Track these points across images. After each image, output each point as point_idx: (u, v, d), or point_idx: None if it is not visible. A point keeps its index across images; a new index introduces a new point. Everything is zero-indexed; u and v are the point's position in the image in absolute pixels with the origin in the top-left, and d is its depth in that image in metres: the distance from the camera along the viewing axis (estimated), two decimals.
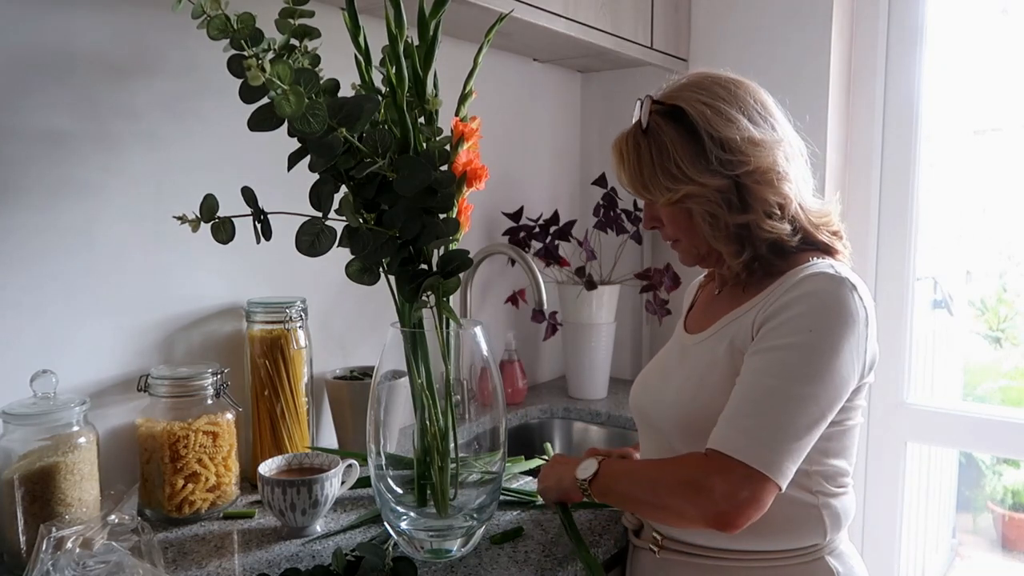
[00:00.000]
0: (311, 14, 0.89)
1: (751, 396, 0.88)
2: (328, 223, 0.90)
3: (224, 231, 0.92)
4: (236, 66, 0.85)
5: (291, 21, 0.88)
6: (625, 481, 0.97)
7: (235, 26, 0.83)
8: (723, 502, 0.84)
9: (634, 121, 0.99)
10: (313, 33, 0.89)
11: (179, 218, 0.92)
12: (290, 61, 0.85)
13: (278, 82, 0.81)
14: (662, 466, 0.94)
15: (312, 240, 0.89)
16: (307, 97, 0.83)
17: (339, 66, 0.97)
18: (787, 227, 0.95)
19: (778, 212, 0.95)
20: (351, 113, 0.86)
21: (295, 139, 0.91)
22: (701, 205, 0.94)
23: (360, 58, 0.97)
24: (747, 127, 0.93)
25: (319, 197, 0.91)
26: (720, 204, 0.94)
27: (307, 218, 0.90)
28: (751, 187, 0.93)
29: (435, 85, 0.99)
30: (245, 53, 0.83)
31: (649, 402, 1.06)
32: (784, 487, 0.86)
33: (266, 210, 0.95)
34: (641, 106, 0.98)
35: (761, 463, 0.84)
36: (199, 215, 0.91)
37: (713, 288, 1.09)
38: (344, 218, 0.91)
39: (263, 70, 0.81)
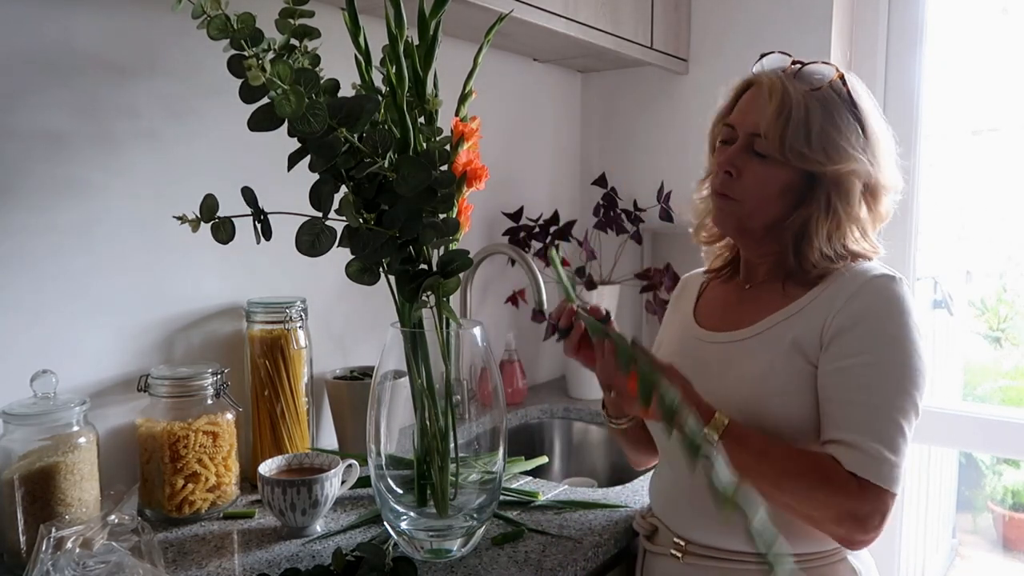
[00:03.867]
0: (311, 14, 0.89)
1: (867, 417, 0.90)
2: (328, 223, 0.90)
3: (224, 231, 0.92)
4: (236, 66, 0.85)
5: (291, 21, 0.88)
6: (768, 468, 0.90)
7: (235, 26, 0.83)
8: (873, 532, 0.89)
9: (771, 67, 0.98)
10: (313, 33, 0.89)
11: (179, 218, 0.92)
12: (290, 61, 0.85)
13: (278, 82, 0.81)
14: (809, 466, 0.90)
15: (312, 240, 0.89)
16: (307, 97, 0.83)
17: (339, 66, 0.97)
18: (877, 248, 0.99)
19: (871, 228, 0.99)
20: (351, 113, 0.86)
21: (295, 139, 0.91)
22: (853, 183, 0.95)
23: (360, 58, 0.97)
24: (893, 148, 0.99)
25: (319, 197, 0.91)
26: (856, 193, 0.95)
27: (307, 218, 0.90)
28: (877, 195, 0.98)
29: (435, 85, 0.99)
30: (245, 53, 0.83)
31: None
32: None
33: (266, 210, 0.95)
34: (795, 63, 0.97)
35: (895, 486, 0.89)
36: (199, 215, 0.91)
37: (736, 285, 1.08)
38: (344, 218, 0.91)
39: (263, 70, 0.81)
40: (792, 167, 0.94)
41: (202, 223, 0.92)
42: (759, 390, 0.95)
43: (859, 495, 0.88)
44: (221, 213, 0.92)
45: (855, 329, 0.91)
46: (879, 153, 0.96)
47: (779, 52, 0.98)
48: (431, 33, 0.95)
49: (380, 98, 0.94)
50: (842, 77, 0.96)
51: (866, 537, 0.90)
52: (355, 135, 0.87)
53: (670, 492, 1.05)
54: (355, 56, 0.97)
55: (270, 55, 0.85)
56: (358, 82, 0.98)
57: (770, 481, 0.88)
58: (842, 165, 0.93)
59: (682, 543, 1.01)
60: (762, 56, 1.00)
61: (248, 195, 0.93)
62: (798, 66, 0.96)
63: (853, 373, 0.91)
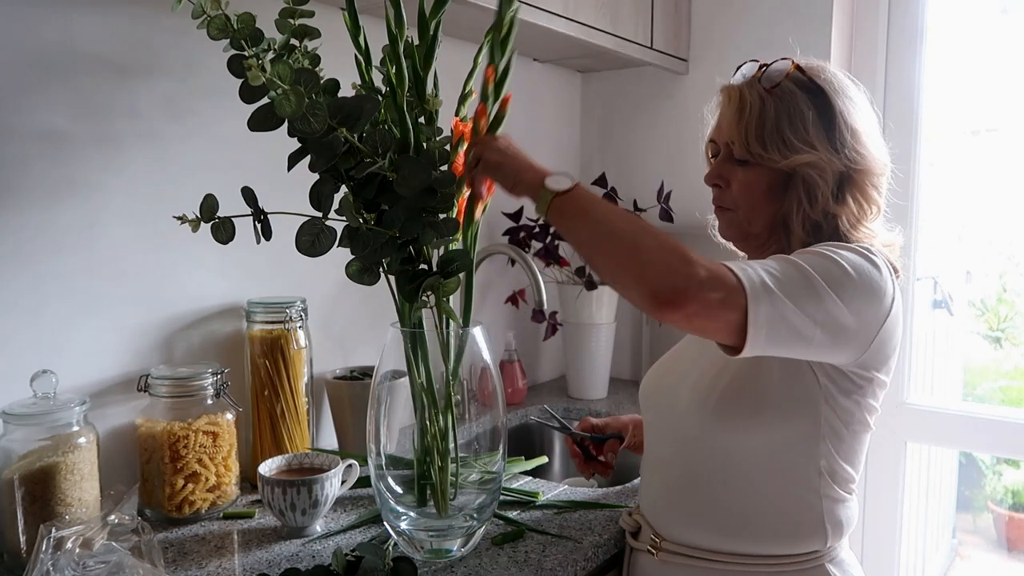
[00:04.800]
0: (311, 14, 0.89)
1: (775, 262, 0.85)
2: (328, 223, 0.90)
3: (224, 231, 0.92)
4: (236, 66, 0.85)
5: (291, 21, 0.88)
6: (607, 209, 0.86)
7: (235, 26, 0.83)
8: (694, 287, 0.78)
9: (745, 76, 0.98)
10: (313, 33, 0.89)
11: (179, 218, 0.92)
12: (290, 61, 0.85)
13: (279, 82, 0.81)
14: (661, 232, 0.84)
15: (312, 240, 0.89)
16: (307, 97, 0.83)
17: (339, 66, 0.96)
18: (872, 235, 0.96)
19: (866, 217, 0.96)
20: (351, 113, 0.86)
21: (295, 139, 0.91)
22: (813, 176, 0.93)
23: (360, 58, 0.97)
24: (874, 130, 0.97)
25: (319, 197, 0.91)
26: (828, 184, 0.93)
27: (307, 218, 0.90)
28: (858, 182, 0.95)
29: (435, 85, 0.99)
30: (245, 53, 0.83)
31: (666, 389, 1.05)
32: (747, 338, 0.80)
33: (266, 210, 0.94)
34: (761, 67, 0.97)
35: (752, 291, 0.80)
36: (199, 215, 0.91)
37: None
38: (344, 218, 0.91)
39: (263, 70, 0.81)
40: (767, 168, 0.95)
41: (202, 223, 0.92)
42: (720, 372, 0.96)
43: (714, 262, 0.80)
44: (221, 213, 0.92)
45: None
46: (851, 141, 0.94)
47: (751, 61, 0.99)
48: (431, 33, 0.95)
49: (380, 98, 0.94)
50: (798, 67, 0.96)
51: (681, 289, 0.77)
52: (355, 135, 0.87)
53: (650, 489, 1.07)
54: (355, 56, 0.97)
55: (270, 55, 0.85)
56: (358, 82, 0.98)
57: (620, 243, 0.83)
58: (795, 158, 0.92)
59: (657, 540, 1.02)
60: (736, 69, 1.00)
61: (248, 195, 0.93)
62: (764, 69, 0.97)
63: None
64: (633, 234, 0.83)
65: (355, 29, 0.96)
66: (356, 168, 0.88)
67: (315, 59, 0.89)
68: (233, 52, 0.85)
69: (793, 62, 0.96)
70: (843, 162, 0.93)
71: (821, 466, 0.94)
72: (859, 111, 0.96)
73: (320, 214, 0.90)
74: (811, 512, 0.95)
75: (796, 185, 0.94)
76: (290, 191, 0.95)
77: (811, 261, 0.86)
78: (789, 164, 0.93)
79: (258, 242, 0.94)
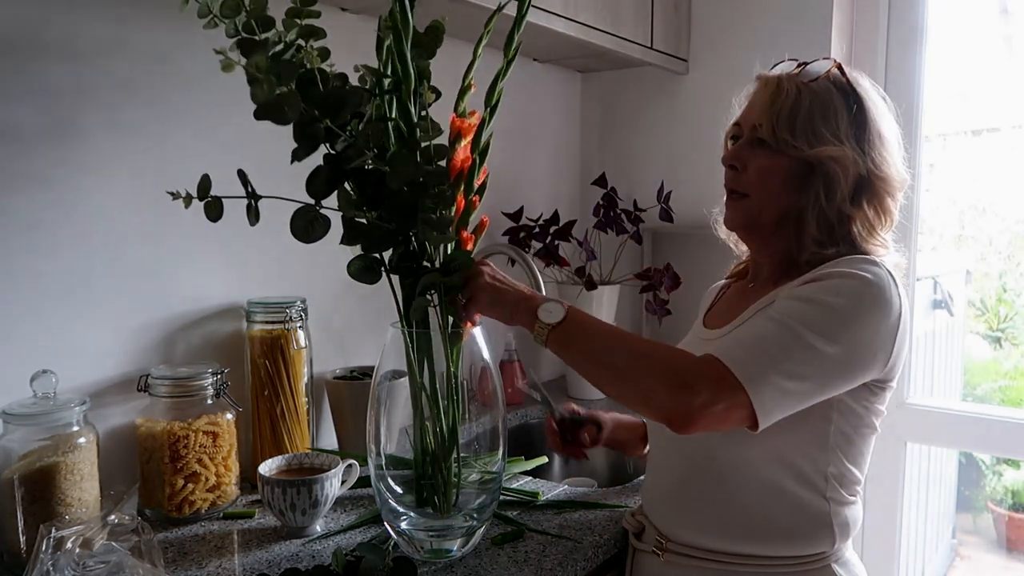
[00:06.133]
0: (317, 14, 0.89)
1: (762, 330, 0.87)
2: (327, 213, 0.90)
3: (214, 209, 0.93)
4: (247, 50, 0.86)
5: (297, 21, 0.88)
6: (599, 339, 0.92)
7: (247, 7, 0.84)
8: (699, 408, 0.82)
9: (782, 71, 0.98)
10: (319, 33, 0.89)
11: (172, 194, 0.92)
12: (296, 56, 0.85)
13: (253, 71, 0.81)
14: (652, 344, 0.90)
15: (306, 226, 0.90)
16: (283, 87, 0.83)
17: (338, 64, 0.96)
18: (885, 245, 0.97)
19: (879, 225, 0.97)
20: (334, 105, 0.86)
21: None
22: (836, 171, 0.93)
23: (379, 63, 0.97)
24: (899, 146, 0.98)
25: (314, 185, 0.91)
26: (848, 182, 0.93)
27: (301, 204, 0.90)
28: (876, 189, 0.95)
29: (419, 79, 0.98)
30: (255, 38, 0.84)
31: None
32: (759, 422, 0.83)
33: (266, 209, 0.94)
34: (800, 64, 0.97)
35: (749, 383, 0.82)
36: (193, 194, 0.92)
37: (742, 285, 1.09)
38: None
39: (236, 59, 0.81)
40: (790, 156, 0.94)
41: (194, 199, 0.92)
42: None
43: (707, 368, 0.84)
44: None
45: (810, 283, 0.91)
46: (879, 147, 0.95)
47: (788, 59, 1.00)
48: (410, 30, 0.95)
49: (388, 92, 0.94)
50: (840, 67, 0.96)
51: (688, 411, 0.82)
52: (341, 126, 0.87)
53: (655, 490, 1.07)
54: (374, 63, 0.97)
55: (279, 48, 0.86)
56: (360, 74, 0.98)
57: (617, 374, 0.88)
58: (821, 150, 0.92)
59: (663, 541, 1.01)
60: (774, 66, 1.01)
61: (242, 177, 0.93)
62: (801, 67, 0.98)
63: (779, 304, 0.90)
64: (628, 366, 0.87)
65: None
66: (345, 160, 0.89)
67: (325, 53, 0.90)
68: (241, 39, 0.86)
69: (835, 62, 0.96)
70: (866, 165, 0.94)
71: (829, 471, 0.94)
72: (889, 124, 0.97)
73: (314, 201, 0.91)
74: (819, 515, 0.95)
75: (816, 178, 0.94)
76: (292, 189, 0.95)
77: (796, 313, 0.86)
78: (815, 155, 0.93)
79: (251, 224, 0.93)
